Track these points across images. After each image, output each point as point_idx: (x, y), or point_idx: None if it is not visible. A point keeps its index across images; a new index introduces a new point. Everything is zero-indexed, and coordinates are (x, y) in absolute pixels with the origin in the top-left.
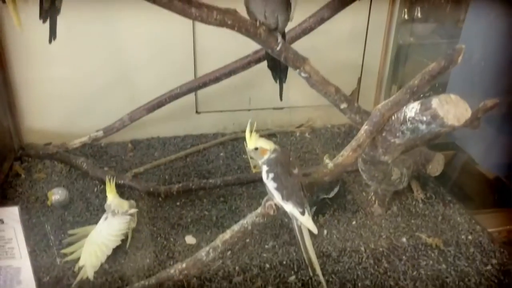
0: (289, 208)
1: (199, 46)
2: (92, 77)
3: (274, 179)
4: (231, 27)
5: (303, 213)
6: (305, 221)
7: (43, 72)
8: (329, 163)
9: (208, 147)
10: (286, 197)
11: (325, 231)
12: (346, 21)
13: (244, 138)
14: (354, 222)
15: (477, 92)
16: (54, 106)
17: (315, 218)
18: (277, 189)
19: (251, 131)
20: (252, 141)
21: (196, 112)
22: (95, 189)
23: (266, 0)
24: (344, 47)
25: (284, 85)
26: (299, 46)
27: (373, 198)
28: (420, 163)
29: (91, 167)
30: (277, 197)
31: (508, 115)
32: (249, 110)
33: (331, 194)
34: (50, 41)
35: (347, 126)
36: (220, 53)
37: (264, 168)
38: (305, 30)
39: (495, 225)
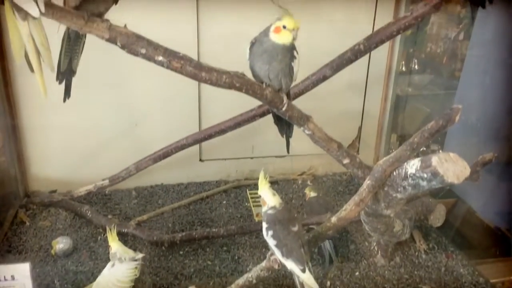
0: (290, 265)
1: (204, 97)
2: (98, 126)
3: (273, 236)
4: (239, 89)
5: (303, 271)
6: (306, 278)
7: (50, 120)
8: (333, 217)
9: (211, 194)
10: (286, 254)
11: (328, 283)
12: (347, 72)
13: (246, 186)
14: (357, 273)
15: (475, 142)
16: (61, 154)
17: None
18: (277, 246)
19: (264, 177)
20: (260, 187)
21: (200, 160)
22: (99, 238)
23: (270, 64)
24: (344, 96)
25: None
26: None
27: (376, 249)
28: (422, 213)
29: (95, 215)
30: (278, 254)
31: (507, 166)
32: (252, 158)
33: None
34: (64, 100)
35: (348, 174)
36: (225, 104)
37: (264, 225)
38: (308, 87)
39: (498, 275)
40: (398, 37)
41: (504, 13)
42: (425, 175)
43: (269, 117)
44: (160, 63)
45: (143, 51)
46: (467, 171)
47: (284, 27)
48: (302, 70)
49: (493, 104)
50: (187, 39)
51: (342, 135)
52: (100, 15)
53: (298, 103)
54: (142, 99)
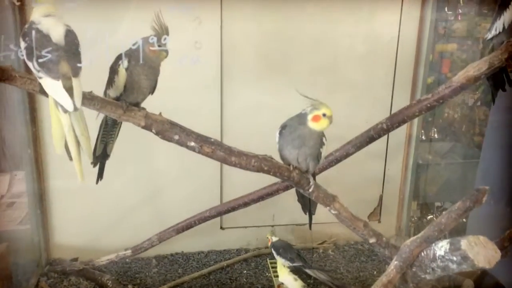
0: None
1: (226, 167)
2: (122, 195)
3: None
4: (267, 172)
5: None
6: None
7: (75, 188)
8: None
9: (232, 263)
10: None
11: None
12: None
13: (267, 255)
14: None
15: (500, 213)
16: (84, 222)
17: None
18: None
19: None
20: (280, 275)
21: (221, 227)
22: None
23: (299, 149)
24: (366, 164)
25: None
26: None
27: None
28: None
29: (115, 285)
30: None
31: None
32: (272, 226)
33: None
34: (97, 182)
35: None
36: (246, 175)
37: None
38: (331, 162)
39: None
40: None
41: None
42: (455, 258)
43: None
44: (192, 148)
45: (176, 137)
46: (498, 255)
47: (324, 115)
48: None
49: None
50: (211, 112)
51: (364, 203)
52: (137, 104)
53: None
54: (164, 169)
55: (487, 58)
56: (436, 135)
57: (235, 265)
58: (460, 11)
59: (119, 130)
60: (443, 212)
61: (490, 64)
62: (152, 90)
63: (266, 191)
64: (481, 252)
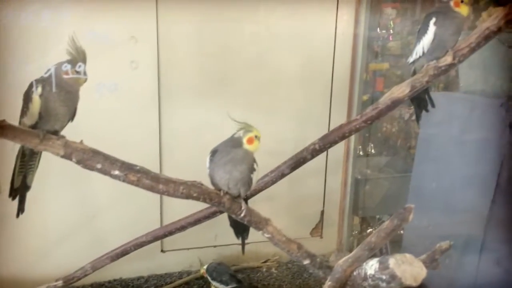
0: None
1: None
2: (54, 220)
3: None
4: (197, 198)
5: None
6: None
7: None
8: None
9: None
10: None
11: None
12: None
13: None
14: None
15: (433, 226)
16: (12, 251)
17: None
18: None
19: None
20: None
21: (162, 251)
22: None
23: (231, 174)
24: (306, 182)
25: None
26: None
27: None
28: None
29: None
30: None
31: (465, 250)
32: (215, 246)
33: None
34: (17, 216)
35: None
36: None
37: None
38: (267, 183)
39: None
40: None
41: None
42: (384, 277)
43: None
44: (117, 177)
45: (99, 166)
46: (423, 272)
47: (256, 137)
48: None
49: (446, 185)
50: (149, 133)
51: (305, 218)
52: (56, 132)
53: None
54: (101, 193)
55: (409, 80)
56: (373, 150)
57: None
58: (391, 31)
59: (39, 159)
60: (373, 232)
61: (412, 87)
62: (72, 116)
63: (203, 214)
64: (408, 269)
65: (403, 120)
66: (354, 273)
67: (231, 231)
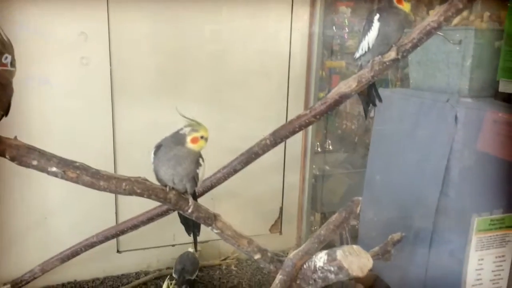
0: None
1: None
2: (2, 224)
3: None
4: (141, 195)
5: None
6: None
7: None
8: None
9: None
10: None
11: None
12: (265, 154)
13: (168, 275)
14: None
15: (386, 215)
16: None
17: None
18: None
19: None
20: None
21: (117, 251)
22: None
23: (175, 169)
24: (265, 178)
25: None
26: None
27: None
28: None
29: None
30: None
31: (416, 242)
32: (173, 245)
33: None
34: None
35: None
36: None
37: None
38: (220, 179)
39: None
40: None
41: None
42: (332, 269)
43: None
44: (54, 174)
45: (35, 162)
46: (370, 263)
47: (202, 137)
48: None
49: (397, 180)
50: (103, 132)
51: (264, 215)
52: None
53: (219, 187)
54: (52, 190)
55: (356, 76)
56: (330, 147)
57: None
58: (346, 30)
59: None
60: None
61: (358, 82)
62: (6, 111)
63: (156, 212)
64: (355, 261)
65: (362, 118)
66: (305, 266)
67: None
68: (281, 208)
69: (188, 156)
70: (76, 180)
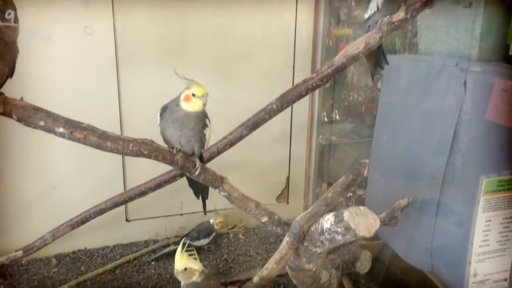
0: None
1: (127, 157)
2: (13, 191)
3: None
4: (148, 156)
5: None
6: None
7: None
8: (255, 277)
9: (139, 256)
10: None
11: None
12: (272, 124)
13: (176, 244)
14: None
15: (393, 185)
16: None
17: None
18: None
19: (181, 251)
20: (183, 262)
21: (126, 220)
22: None
23: (181, 130)
24: (272, 148)
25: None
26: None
27: None
28: (349, 261)
29: None
30: None
31: (423, 209)
32: (181, 214)
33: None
34: None
35: None
36: (150, 162)
37: None
38: (226, 146)
39: None
40: (317, 90)
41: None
42: (339, 230)
43: None
44: (61, 135)
45: (42, 123)
46: (377, 224)
47: (194, 95)
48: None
49: (404, 147)
50: (109, 102)
51: (271, 185)
52: None
53: (226, 157)
54: (61, 160)
55: (363, 37)
56: (337, 117)
57: (143, 257)
58: None
59: None
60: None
61: (366, 44)
62: (11, 72)
63: (163, 178)
64: (362, 221)
65: (369, 89)
66: (312, 228)
67: (196, 198)
68: (288, 178)
69: (188, 117)
70: (83, 141)
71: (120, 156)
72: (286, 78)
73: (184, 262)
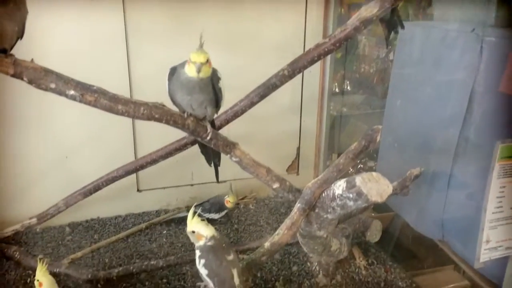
0: None
1: (138, 124)
2: (26, 161)
3: (205, 265)
4: (159, 120)
5: None
6: None
7: None
8: (266, 243)
9: (151, 225)
10: (217, 285)
11: None
12: (283, 94)
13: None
14: None
15: (404, 156)
16: None
17: None
18: (208, 276)
19: (193, 214)
20: (192, 224)
21: (138, 190)
22: (28, 280)
23: (192, 93)
24: (282, 118)
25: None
26: (240, 120)
27: (317, 269)
28: (359, 230)
29: (23, 257)
30: (210, 284)
31: (434, 179)
32: (192, 185)
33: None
34: None
35: None
36: (161, 131)
37: (197, 254)
38: (237, 113)
39: (436, 285)
40: (328, 60)
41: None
42: (351, 195)
43: None
44: (72, 97)
45: (53, 85)
46: (389, 189)
47: (192, 61)
48: (234, 93)
49: (417, 118)
50: (118, 72)
51: (282, 157)
52: (5, 51)
53: (236, 126)
54: (72, 130)
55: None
56: (348, 87)
57: (155, 226)
58: None
59: None
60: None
61: (380, 6)
62: (21, 34)
63: (174, 146)
64: (374, 187)
65: (381, 60)
66: (323, 195)
67: (207, 169)
68: (298, 149)
69: (192, 82)
70: (94, 104)
71: (130, 126)
72: (296, 49)
73: (193, 225)
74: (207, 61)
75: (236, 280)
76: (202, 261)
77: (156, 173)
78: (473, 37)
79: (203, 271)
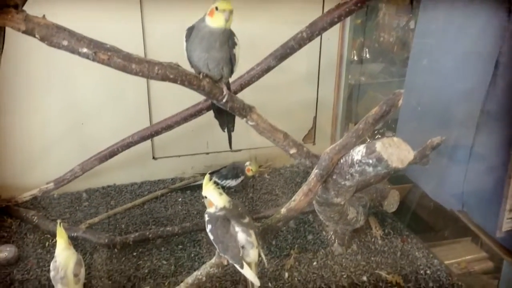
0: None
1: (153, 90)
2: (42, 127)
3: (211, 231)
4: (174, 80)
5: (241, 267)
6: (247, 274)
7: None
8: (282, 209)
9: (166, 192)
10: (222, 250)
11: (286, 274)
12: (299, 63)
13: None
14: (315, 263)
15: (424, 126)
16: (2, 158)
17: None
18: (214, 241)
19: (210, 179)
20: (206, 189)
21: (153, 158)
22: (47, 244)
23: (209, 53)
24: (299, 87)
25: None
26: (255, 87)
27: (333, 237)
28: (376, 200)
29: (42, 221)
30: (218, 249)
31: (455, 149)
32: (207, 153)
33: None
34: None
35: None
36: (176, 98)
37: (206, 218)
38: (253, 77)
39: (452, 256)
40: (348, 27)
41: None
42: (371, 161)
43: None
44: (85, 55)
45: (65, 43)
46: (410, 155)
47: (217, 8)
48: (248, 60)
49: (439, 89)
50: (133, 38)
51: (298, 126)
52: (16, 6)
53: (252, 95)
54: (88, 97)
55: None
56: (367, 55)
57: (171, 194)
58: None
59: (3, 39)
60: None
61: None
62: None
63: (189, 112)
64: (395, 152)
65: (401, 29)
66: (341, 161)
67: (222, 137)
68: (315, 118)
69: (214, 35)
70: (107, 63)
71: (146, 92)
72: (315, 13)
73: (206, 191)
74: None
75: (254, 240)
76: (209, 226)
77: (171, 141)
78: (500, 4)
79: (210, 236)
